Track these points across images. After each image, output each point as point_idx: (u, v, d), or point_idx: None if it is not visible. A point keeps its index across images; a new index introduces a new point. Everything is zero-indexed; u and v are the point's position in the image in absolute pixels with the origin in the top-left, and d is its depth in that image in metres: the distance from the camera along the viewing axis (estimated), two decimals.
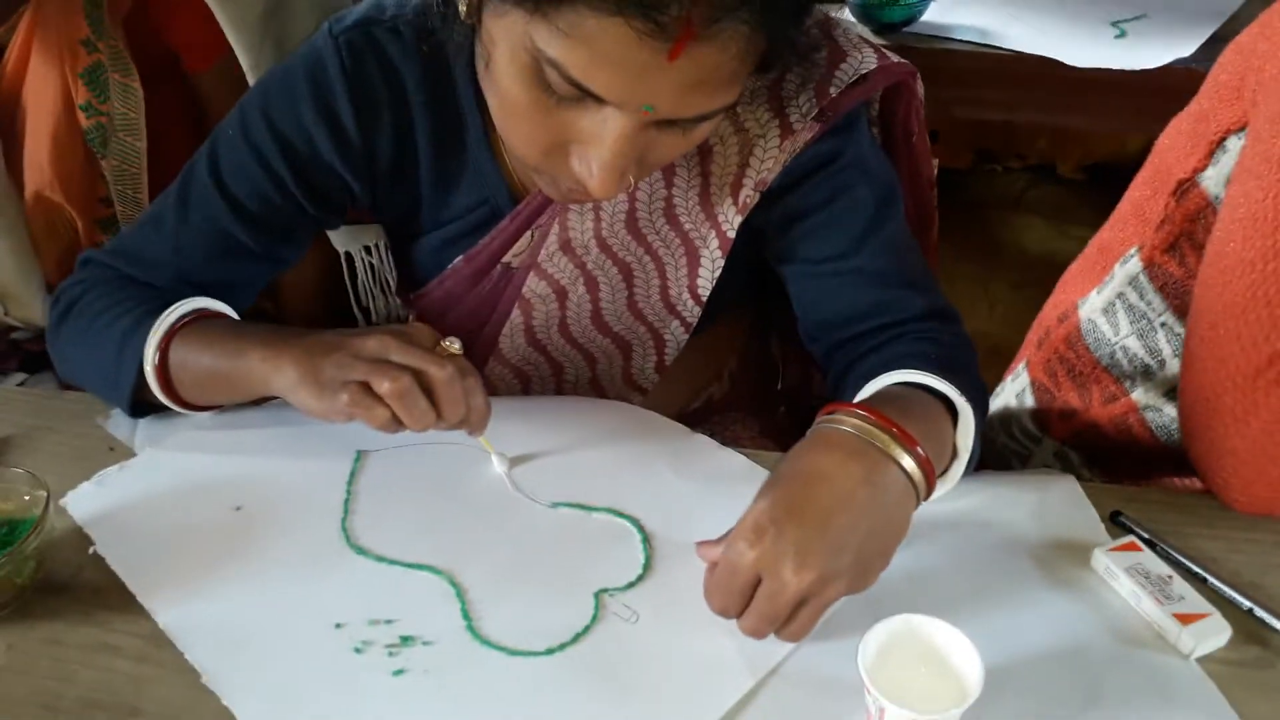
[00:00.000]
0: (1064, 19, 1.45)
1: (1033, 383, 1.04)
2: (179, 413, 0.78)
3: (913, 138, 0.88)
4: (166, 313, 0.76)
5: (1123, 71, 1.31)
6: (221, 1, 0.91)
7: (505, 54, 0.63)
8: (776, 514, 0.58)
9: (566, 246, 0.85)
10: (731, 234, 0.82)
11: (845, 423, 0.62)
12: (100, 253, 0.84)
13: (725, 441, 0.94)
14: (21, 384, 1.10)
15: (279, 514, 0.71)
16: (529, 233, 0.85)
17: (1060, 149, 2.19)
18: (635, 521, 0.70)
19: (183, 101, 1.00)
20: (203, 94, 1.01)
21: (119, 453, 0.78)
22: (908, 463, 0.61)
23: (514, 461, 0.76)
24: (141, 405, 0.79)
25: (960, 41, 1.40)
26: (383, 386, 0.65)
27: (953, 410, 0.69)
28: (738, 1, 0.57)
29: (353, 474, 0.75)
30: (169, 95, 1.00)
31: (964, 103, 1.45)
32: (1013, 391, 1.07)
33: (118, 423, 0.80)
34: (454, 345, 0.69)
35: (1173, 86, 1.35)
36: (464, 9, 0.67)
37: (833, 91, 0.76)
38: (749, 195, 0.80)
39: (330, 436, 0.77)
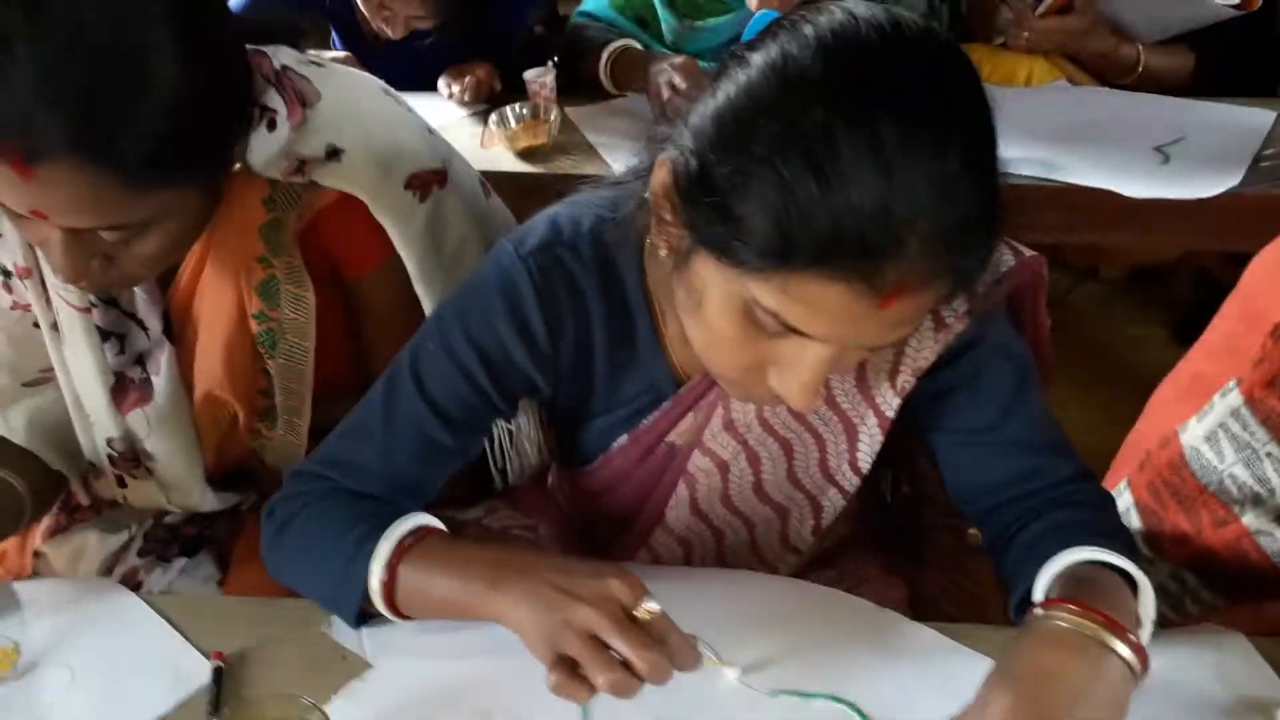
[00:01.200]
0: (1111, 146, 1.56)
1: (1137, 503, 1.11)
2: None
3: (1038, 324, 0.97)
4: (388, 534, 0.82)
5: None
6: (394, 222, 1.00)
7: (718, 297, 0.72)
8: (1019, 716, 0.65)
9: (730, 426, 0.93)
10: (890, 415, 0.90)
11: (1060, 618, 0.70)
12: (310, 465, 0.92)
13: (857, 581, 1.01)
14: (183, 570, 1.16)
15: (527, 718, 0.77)
16: (691, 413, 0.93)
17: (1104, 255, 2.31)
18: (855, 708, 0.77)
19: (337, 302, 1.08)
20: (361, 295, 1.09)
21: (351, 661, 0.84)
22: (1124, 651, 0.68)
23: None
24: (363, 614, 0.86)
25: (1020, 176, 1.50)
26: (598, 680, 0.69)
27: (1130, 580, 0.77)
28: (944, 267, 0.66)
29: None
30: (326, 298, 1.08)
31: (1022, 228, 1.54)
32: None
33: (340, 628, 0.86)
34: (654, 607, 0.72)
35: (1220, 205, 1.46)
36: (664, 252, 0.75)
37: (980, 290, 0.85)
38: (906, 380, 0.88)
39: None
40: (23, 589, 0.95)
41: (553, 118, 1.68)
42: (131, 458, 1.09)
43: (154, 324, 1.03)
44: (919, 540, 1.17)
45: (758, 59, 0.67)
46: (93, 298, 1.01)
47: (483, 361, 0.87)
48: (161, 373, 1.04)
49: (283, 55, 0.96)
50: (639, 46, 1.82)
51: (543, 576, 0.76)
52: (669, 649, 0.70)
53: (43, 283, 1.02)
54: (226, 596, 0.94)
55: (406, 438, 0.89)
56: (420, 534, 0.83)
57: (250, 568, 1.15)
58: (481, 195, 1.15)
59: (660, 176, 0.73)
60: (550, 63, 1.76)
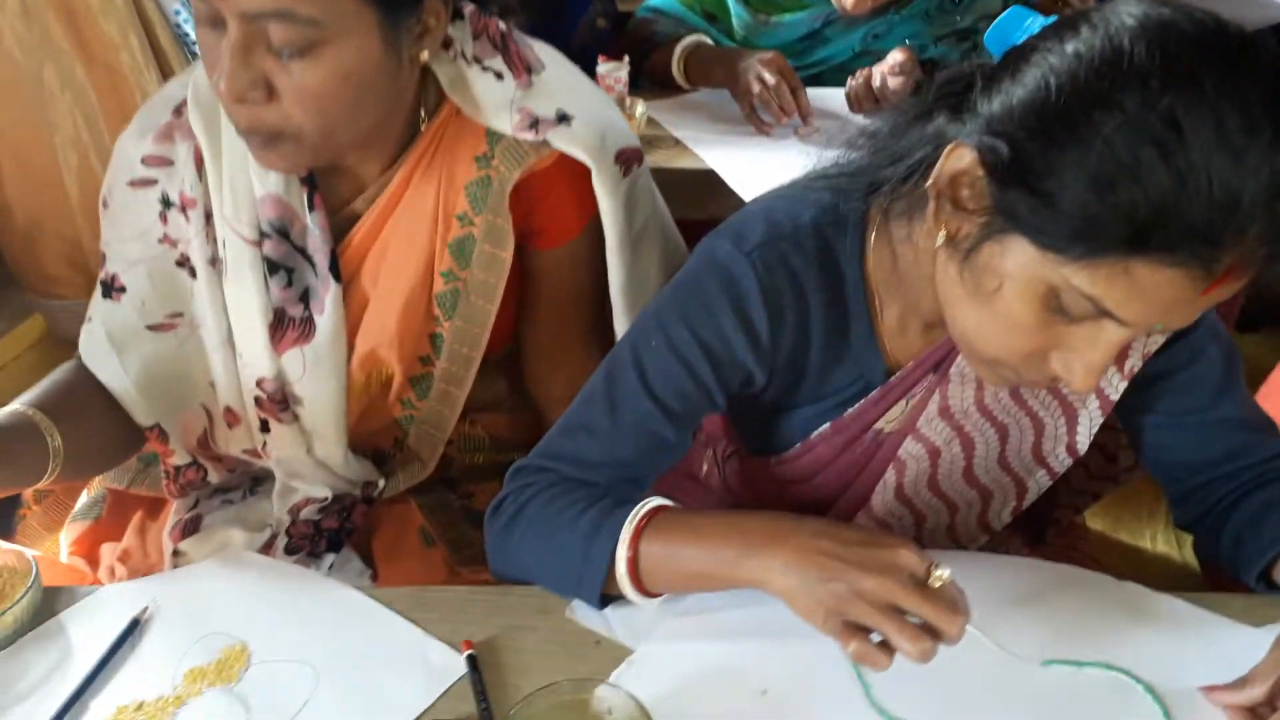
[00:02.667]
0: None
1: None
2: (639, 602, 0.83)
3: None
4: (634, 510, 0.82)
5: None
6: (607, 192, 1.00)
7: (1021, 283, 0.72)
8: None
9: (945, 413, 0.94)
10: (1114, 398, 0.92)
11: None
12: (535, 460, 0.91)
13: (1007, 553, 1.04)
14: (332, 566, 1.13)
15: (805, 694, 0.77)
16: (902, 401, 0.94)
17: None
18: (1131, 674, 0.78)
19: (515, 272, 1.07)
20: (541, 267, 1.08)
21: (606, 646, 0.82)
22: None
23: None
24: (603, 597, 0.84)
25: None
26: (909, 648, 0.69)
27: None
28: (1267, 253, 0.67)
29: None
30: None
31: None
32: None
33: (585, 614, 0.85)
34: (945, 573, 0.72)
35: None
36: (941, 240, 0.76)
37: None
38: (1134, 364, 0.90)
39: None
40: (220, 576, 0.91)
41: (638, 113, 1.68)
42: (280, 400, 1.07)
43: (321, 260, 1.01)
44: (1044, 518, 1.20)
45: (1070, 49, 0.69)
46: (265, 226, 0.99)
47: (707, 357, 0.88)
48: (326, 311, 1.02)
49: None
50: (710, 42, 1.83)
51: (807, 543, 0.75)
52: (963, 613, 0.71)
53: (206, 215, 1.00)
54: (453, 587, 0.91)
55: (631, 434, 0.88)
56: (653, 512, 0.82)
57: (399, 564, 1.13)
58: None
59: (956, 163, 0.73)
60: (625, 58, 1.75)
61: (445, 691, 0.79)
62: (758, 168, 1.52)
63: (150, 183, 1.01)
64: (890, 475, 0.97)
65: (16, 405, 0.95)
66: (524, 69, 0.98)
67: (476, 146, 0.99)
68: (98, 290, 1.06)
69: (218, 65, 0.86)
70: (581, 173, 1.00)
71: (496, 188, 0.99)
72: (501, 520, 0.89)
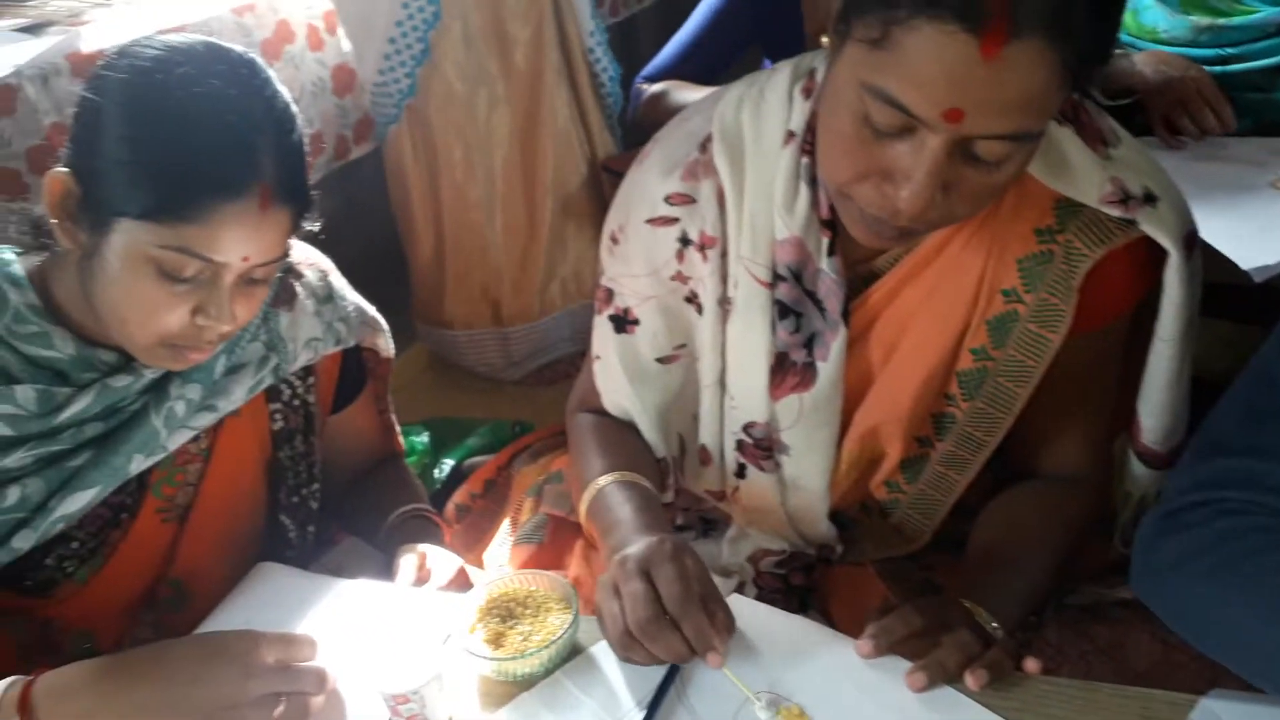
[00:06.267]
0: None
1: None
2: None
3: None
4: None
5: None
6: (1180, 280, 0.89)
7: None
8: None
9: None
10: None
11: None
12: (1182, 496, 0.80)
13: None
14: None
15: None
16: None
17: None
18: None
19: None
20: (1069, 347, 0.94)
21: None
22: None
23: None
24: None
25: None
26: None
27: None
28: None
29: None
30: None
31: None
32: None
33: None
34: None
35: None
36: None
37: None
38: None
39: None
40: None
41: None
42: (766, 446, 1.01)
43: (833, 306, 0.94)
44: None
45: None
46: (781, 270, 0.94)
47: None
48: (830, 358, 0.95)
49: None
50: None
51: None
52: None
53: (722, 254, 0.96)
54: (1058, 680, 0.79)
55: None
56: None
57: (856, 627, 1.04)
58: None
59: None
60: None
61: None
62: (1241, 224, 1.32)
63: (671, 221, 0.98)
64: None
65: (614, 476, 0.97)
66: (1099, 141, 0.88)
67: (1041, 219, 0.89)
68: (606, 325, 1.04)
69: (887, 170, 0.78)
70: (1143, 258, 0.90)
71: (1061, 265, 0.89)
72: (1197, 568, 0.76)
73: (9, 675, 0.73)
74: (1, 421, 0.82)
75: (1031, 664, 0.78)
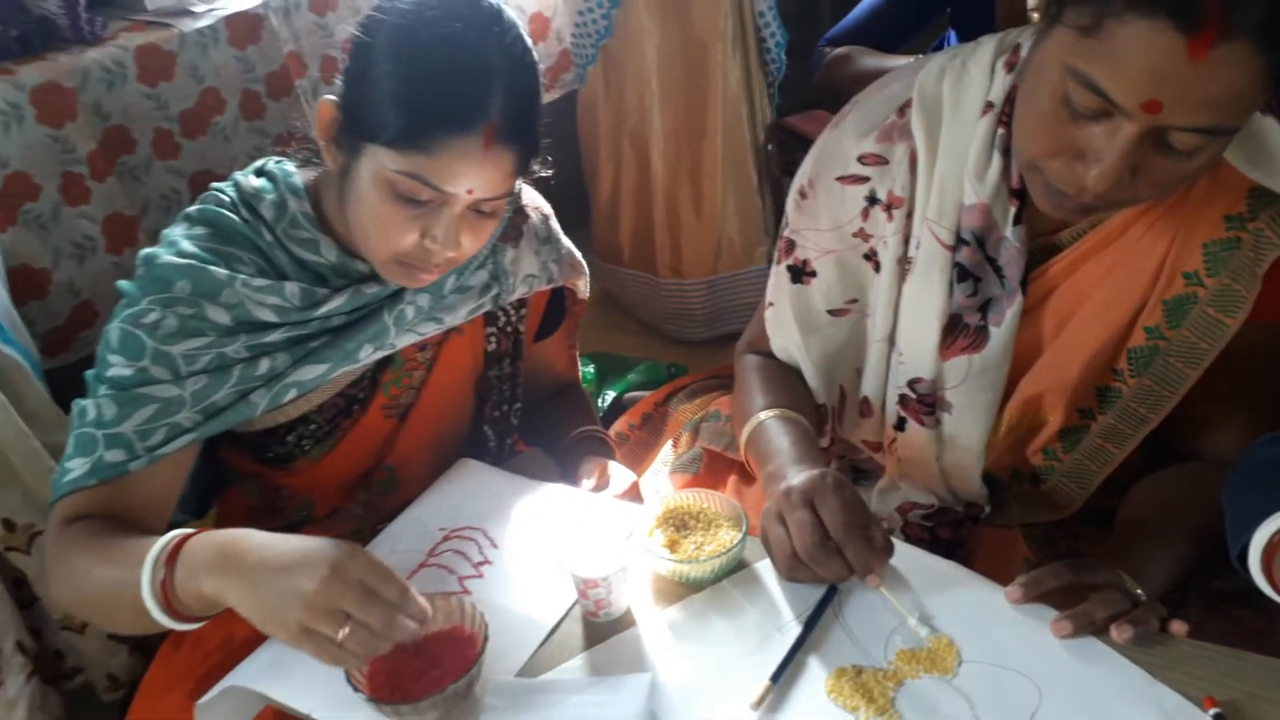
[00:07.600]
0: None
1: None
2: None
3: None
4: None
5: None
6: None
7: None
8: None
9: None
10: None
11: None
12: None
13: None
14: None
15: None
16: None
17: None
18: None
19: None
20: (1247, 334, 0.96)
21: None
22: None
23: None
24: None
25: None
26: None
27: None
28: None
29: None
30: None
31: None
32: None
33: None
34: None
35: None
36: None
37: None
38: None
39: None
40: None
41: None
42: (930, 403, 1.06)
43: (1012, 274, 0.98)
44: None
45: None
46: (965, 234, 0.98)
47: None
48: (1004, 324, 0.99)
49: None
50: None
51: None
52: None
53: (908, 214, 1.01)
54: (1204, 645, 0.82)
55: None
56: None
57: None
58: None
59: None
60: None
61: None
62: None
63: (862, 180, 1.03)
64: None
65: (776, 412, 1.04)
66: None
67: (1232, 205, 0.90)
68: (783, 275, 1.10)
69: (1080, 149, 0.82)
70: None
71: (1249, 252, 0.90)
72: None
73: (236, 528, 0.83)
74: (270, 310, 0.95)
75: (1178, 625, 0.81)
